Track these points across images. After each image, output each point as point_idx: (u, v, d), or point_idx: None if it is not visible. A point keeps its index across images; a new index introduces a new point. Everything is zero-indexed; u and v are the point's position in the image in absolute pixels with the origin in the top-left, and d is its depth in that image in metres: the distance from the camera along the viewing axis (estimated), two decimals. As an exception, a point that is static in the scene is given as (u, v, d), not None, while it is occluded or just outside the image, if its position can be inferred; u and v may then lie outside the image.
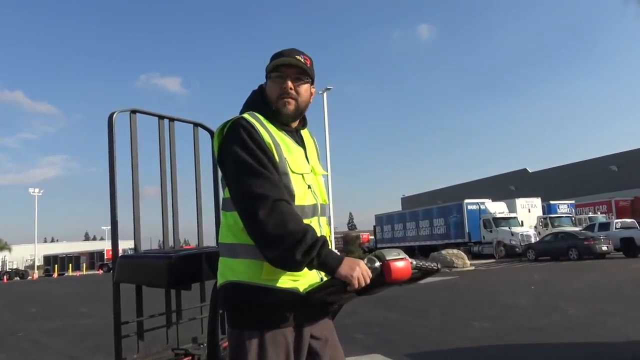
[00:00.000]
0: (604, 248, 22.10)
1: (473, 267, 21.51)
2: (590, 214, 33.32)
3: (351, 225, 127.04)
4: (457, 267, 20.92)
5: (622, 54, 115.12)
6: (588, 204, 36.77)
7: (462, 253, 22.70)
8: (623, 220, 26.82)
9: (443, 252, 22.88)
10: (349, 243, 45.79)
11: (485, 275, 17.79)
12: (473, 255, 27.02)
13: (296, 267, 1.55)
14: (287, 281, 1.62)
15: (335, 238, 35.84)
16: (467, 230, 30.18)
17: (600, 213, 33.85)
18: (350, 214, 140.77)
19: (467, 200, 31.18)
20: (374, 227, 42.51)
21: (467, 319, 7.92)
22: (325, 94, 31.63)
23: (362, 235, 55.50)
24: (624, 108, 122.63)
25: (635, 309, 8.22)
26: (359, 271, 1.52)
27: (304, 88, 1.79)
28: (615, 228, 24.86)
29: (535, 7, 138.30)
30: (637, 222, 26.67)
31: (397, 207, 65.98)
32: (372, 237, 46.12)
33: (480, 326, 7.25)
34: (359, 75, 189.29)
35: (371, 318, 8.35)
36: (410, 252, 31.25)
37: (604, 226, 25.72)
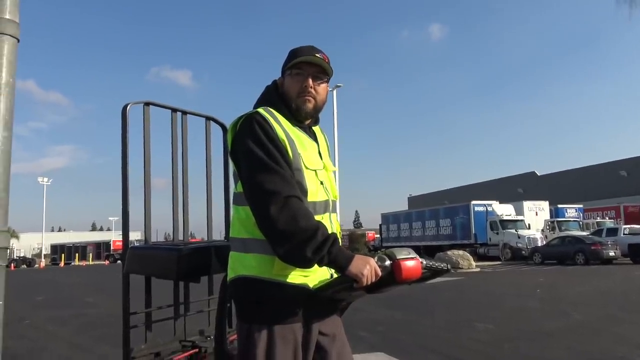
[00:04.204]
0: (611, 253, 21.97)
1: (478, 269, 21.44)
2: (599, 219, 33.12)
3: (357, 223, 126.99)
4: (462, 268, 20.87)
5: (634, 58, 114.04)
6: (596, 209, 36.57)
7: (468, 254, 22.64)
8: (631, 226, 26.66)
9: (449, 252, 22.84)
10: (355, 241, 45.85)
11: (491, 277, 17.74)
12: (479, 257, 26.96)
13: (306, 264, 1.56)
14: (297, 277, 1.63)
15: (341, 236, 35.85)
16: (473, 231, 30.09)
17: (609, 218, 33.66)
18: (357, 211, 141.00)
19: (474, 202, 31.08)
20: (380, 225, 42.50)
21: (471, 320, 7.90)
22: (335, 92, 31.62)
23: (368, 233, 55.53)
24: (634, 113, 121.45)
25: (641, 315, 8.17)
26: (369, 269, 1.52)
27: (323, 87, 1.80)
28: (624, 234, 24.69)
29: (549, 8, 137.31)
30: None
31: (404, 206, 65.93)
32: (378, 235, 46.09)
33: (484, 328, 7.24)
34: (368, 73, 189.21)
35: (376, 316, 8.35)
36: (416, 251, 31.06)
37: (612, 231, 25.56)
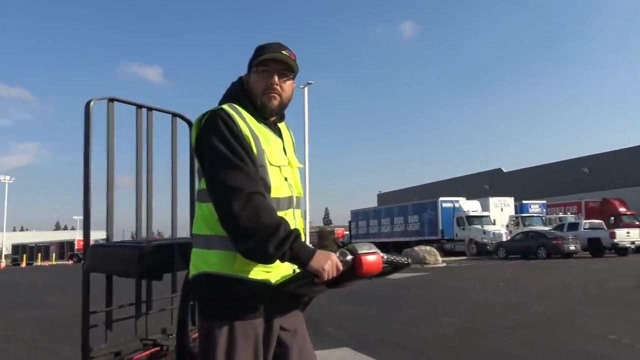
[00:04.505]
0: (572, 247, 22.69)
1: (445, 264, 21.80)
2: (561, 214, 34.02)
3: (327, 220, 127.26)
4: (429, 264, 21.17)
5: (596, 58, 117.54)
6: (559, 205, 37.56)
7: (435, 250, 22.98)
8: (591, 221, 27.52)
9: (416, 248, 23.13)
10: (324, 238, 46.01)
11: (456, 272, 18.06)
12: (445, 253, 27.42)
13: (268, 260, 1.57)
14: (259, 273, 1.64)
15: (310, 233, 35.92)
16: (440, 227, 30.58)
17: (570, 213, 34.56)
18: (327, 209, 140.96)
19: (441, 198, 31.56)
20: (349, 222, 42.76)
21: (436, 314, 8.03)
22: (306, 89, 31.57)
23: (337, 230, 55.72)
24: (597, 111, 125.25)
25: (599, 308, 8.46)
26: (330, 264, 1.54)
27: (289, 84, 1.81)
28: (584, 228, 25.48)
29: (517, 8, 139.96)
30: (605, 223, 27.46)
31: (374, 203, 66.46)
32: (347, 232, 46.34)
33: (449, 322, 7.37)
34: (340, 70, 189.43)
35: (342, 312, 8.41)
36: (385, 248, 31.52)
37: (573, 226, 26.35)
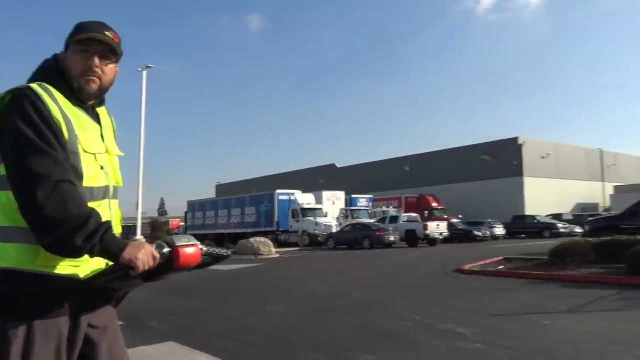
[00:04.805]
0: (392, 238, 25.04)
1: (278, 255, 22.43)
2: (384, 208, 37.17)
3: (162, 211, 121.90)
4: (262, 255, 21.61)
5: (420, 63, 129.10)
6: (383, 199, 41.02)
7: (269, 241, 23.54)
8: (409, 214, 30.66)
9: (251, 239, 23.45)
10: (157, 229, 44.07)
11: (288, 262, 18.71)
12: (280, 244, 28.21)
13: (75, 254, 1.48)
14: (66, 267, 1.54)
15: (142, 223, 34.16)
16: (276, 219, 31.37)
17: (392, 207, 37.94)
18: (162, 199, 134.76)
19: (278, 191, 32.42)
20: (185, 213, 41.72)
21: (266, 304, 8.25)
22: (145, 72, 29.77)
23: (172, 221, 53.92)
24: (420, 113, 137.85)
25: (410, 292, 9.46)
26: (144, 253, 1.49)
27: (110, 67, 1.71)
28: (402, 221, 28.29)
29: (356, 12, 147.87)
30: (420, 217, 30.78)
31: (212, 194, 65.60)
32: (183, 223, 45.12)
33: (277, 310, 7.63)
34: (181, 57, 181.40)
35: (168, 305, 8.18)
36: (220, 239, 31.44)
37: (394, 219, 29.07)
